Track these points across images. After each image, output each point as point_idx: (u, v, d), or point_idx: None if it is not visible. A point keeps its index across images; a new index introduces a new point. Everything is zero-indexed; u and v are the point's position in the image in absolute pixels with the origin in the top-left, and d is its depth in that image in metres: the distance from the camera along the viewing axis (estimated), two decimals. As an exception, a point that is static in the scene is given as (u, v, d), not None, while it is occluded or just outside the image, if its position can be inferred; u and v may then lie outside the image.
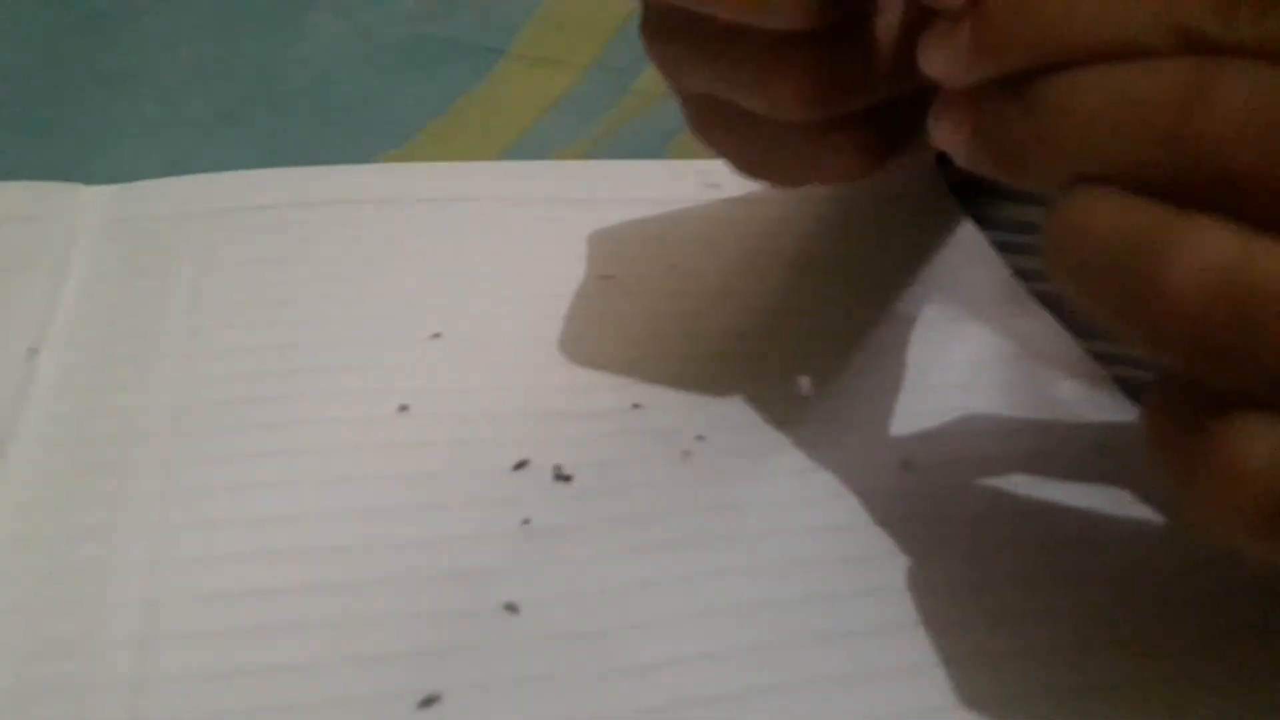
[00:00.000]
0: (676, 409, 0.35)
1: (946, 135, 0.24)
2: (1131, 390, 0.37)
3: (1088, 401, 0.36)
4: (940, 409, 0.35)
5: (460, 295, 0.38)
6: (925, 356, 0.37)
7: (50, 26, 0.54)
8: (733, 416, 0.35)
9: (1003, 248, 0.41)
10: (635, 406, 0.35)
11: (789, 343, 0.37)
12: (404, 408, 0.34)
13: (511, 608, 0.29)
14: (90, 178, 0.43)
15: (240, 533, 0.30)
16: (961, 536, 0.31)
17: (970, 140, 0.24)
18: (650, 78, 0.47)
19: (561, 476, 0.32)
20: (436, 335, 0.37)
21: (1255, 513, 0.20)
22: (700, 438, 0.34)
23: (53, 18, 0.55)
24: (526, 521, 0.31)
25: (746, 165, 0.31)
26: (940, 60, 0.24)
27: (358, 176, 0.43)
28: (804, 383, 0.36)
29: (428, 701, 0.27)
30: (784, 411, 0.35)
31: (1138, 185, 0.21)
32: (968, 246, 0.42)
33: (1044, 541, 0.31)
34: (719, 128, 0.30)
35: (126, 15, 0.54)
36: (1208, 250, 0.20)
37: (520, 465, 0.33)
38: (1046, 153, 0.22)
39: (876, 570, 0.30)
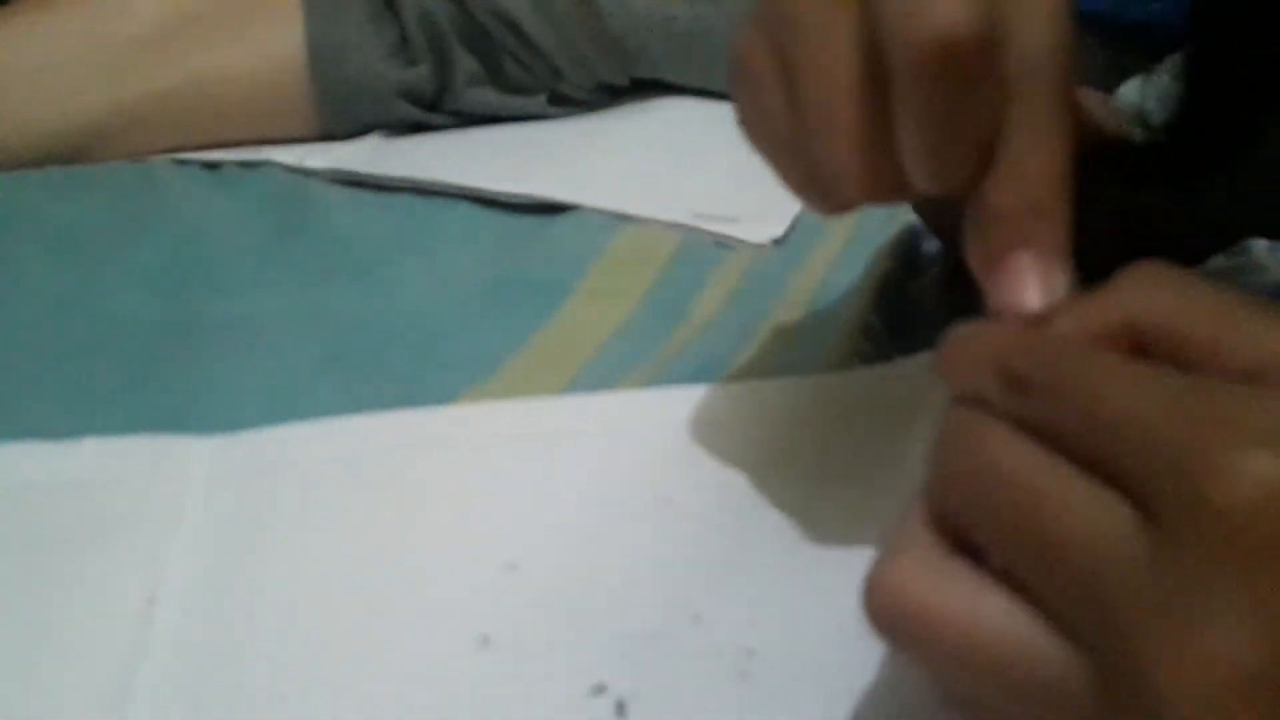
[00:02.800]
0: (733, 622, 0.38)
1: None
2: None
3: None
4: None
5: (534, 526, 0.42)
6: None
7: (165, 274, 0.59)
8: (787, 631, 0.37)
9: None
10: (695, 618, 0.38)
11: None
12: (485, 639, 0.38)
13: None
14: (198, 424, 0.48)
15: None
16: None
17: None
18: (701, 306, 0.51)
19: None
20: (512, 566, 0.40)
21: None
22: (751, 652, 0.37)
23: (166, 267, 0.60)
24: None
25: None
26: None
27: (439, 419, 0.47)
28: None
29: None
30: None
31: None
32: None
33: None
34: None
35: (233, 264, 0.60)
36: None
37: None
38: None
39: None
